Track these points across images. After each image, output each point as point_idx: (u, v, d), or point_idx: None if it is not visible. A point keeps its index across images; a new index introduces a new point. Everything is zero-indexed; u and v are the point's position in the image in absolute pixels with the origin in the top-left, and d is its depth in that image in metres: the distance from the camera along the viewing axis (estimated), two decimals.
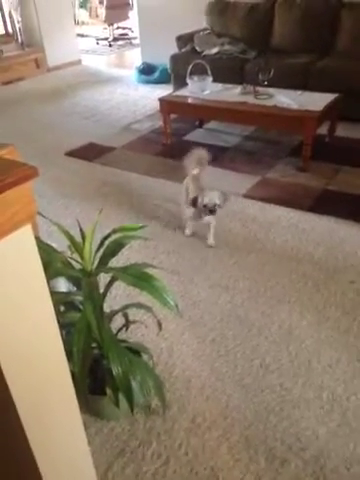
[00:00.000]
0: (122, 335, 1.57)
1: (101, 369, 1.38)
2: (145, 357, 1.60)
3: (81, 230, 1.31)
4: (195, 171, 2.54)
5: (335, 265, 2.25)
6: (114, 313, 1.51)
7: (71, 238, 1.29)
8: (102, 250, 1.33)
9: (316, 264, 2.27)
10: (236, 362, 1.74)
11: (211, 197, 2.27)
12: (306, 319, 1.93)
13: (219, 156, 3.51)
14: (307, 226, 2.58)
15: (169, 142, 3.79)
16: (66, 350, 1.25)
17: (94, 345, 1.44)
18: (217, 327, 1.91)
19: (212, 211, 2.28)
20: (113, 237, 1.37)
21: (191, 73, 3.66)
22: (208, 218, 2.37)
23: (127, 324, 1.58)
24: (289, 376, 1.67)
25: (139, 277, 1.25)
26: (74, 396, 0.96)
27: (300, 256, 2.33)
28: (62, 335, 1.41)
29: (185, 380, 1.68)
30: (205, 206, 2.26)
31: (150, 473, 1.36)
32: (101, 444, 1.45)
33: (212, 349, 1.81)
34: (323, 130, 3.49)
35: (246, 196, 2.91)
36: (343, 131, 3.65)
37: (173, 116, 3.87)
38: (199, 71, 3.69)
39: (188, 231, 2.53)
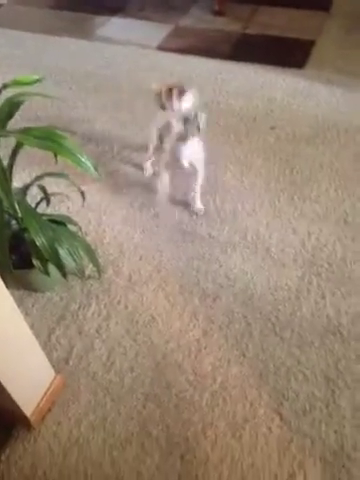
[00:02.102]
0: (46, 210, 1.49)
1: (25, 243, 1.33)
2: (72, 228, 1.55)
3: None
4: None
5: (255, 113, 2.21)
6: (28, 186, 1.40)
7: None
8: None
9: (237, 115, 2.21)
10: (166, 221, 1.76)
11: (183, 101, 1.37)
12: (230, 171, 1.94)
13: (126, 3, 3.08)
14: (227, 76, 2.45)
15: None
16: None
17: (13, 222, 1.37)
18: (143, 193, 1.87)
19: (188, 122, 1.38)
20: (5, 95, 1.19)
21: None
22: (189, 154, 1.57)
23: (47, 197, 1.48)
24: (216, 225, 1.73)
25: (45, 138, 1.12)
26: None
27: (221, 109, 2.25)
28: None
29: (117, 245, 1.70)
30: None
31: (93, 329, 1.43)
32: (40, 314, 1.47)
33: (141, 213, 1.80)
34: None
35: (160, 48, 2.65)
36: None
37: None
38: None
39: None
